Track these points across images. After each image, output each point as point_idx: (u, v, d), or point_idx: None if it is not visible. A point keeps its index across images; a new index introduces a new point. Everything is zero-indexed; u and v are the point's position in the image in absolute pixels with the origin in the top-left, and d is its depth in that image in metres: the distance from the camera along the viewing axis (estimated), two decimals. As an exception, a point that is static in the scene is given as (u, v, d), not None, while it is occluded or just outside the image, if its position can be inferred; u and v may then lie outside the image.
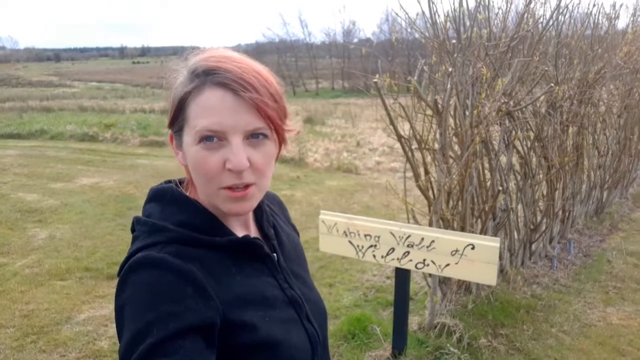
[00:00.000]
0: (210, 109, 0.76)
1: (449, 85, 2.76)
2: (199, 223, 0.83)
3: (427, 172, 3.12)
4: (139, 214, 0.89)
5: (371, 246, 2.93)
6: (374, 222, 2.94)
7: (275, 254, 0.93)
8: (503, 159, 3.98)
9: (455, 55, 2.83)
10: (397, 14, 3.12)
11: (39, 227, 5.81)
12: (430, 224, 3.19)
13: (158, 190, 0.89)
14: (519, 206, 4.28)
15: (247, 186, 0.79)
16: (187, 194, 0.86)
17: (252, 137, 0.78)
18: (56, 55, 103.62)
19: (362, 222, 2.95)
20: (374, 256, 2.93)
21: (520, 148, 4.11)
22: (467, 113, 3.15)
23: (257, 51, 42.67)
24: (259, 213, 0.96)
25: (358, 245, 2.96)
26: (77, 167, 9.23)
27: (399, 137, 2.85)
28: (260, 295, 0.85)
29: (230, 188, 0.79)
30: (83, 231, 5.64)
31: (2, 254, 4.97)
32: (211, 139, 0.76)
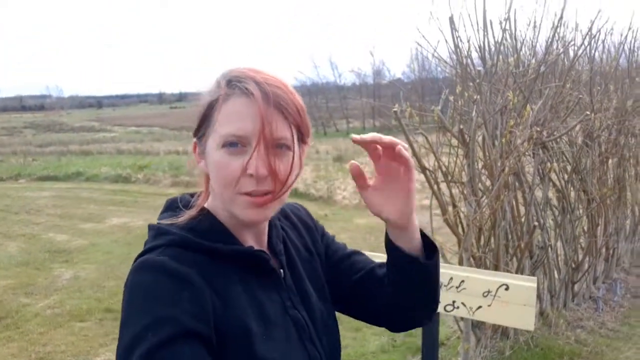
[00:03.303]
0: (236, 115, 0.77)
1: (474, 114, 2.60)
2: (206, 230, 0.82)
3: (454, 207, 2.93)
4: None
5: (396, 286, 2.73)
6: (398, 261, 2.75)
7: (282, 270, 0.90)
8: (538, 193, 3.75)
9: (479, 81, 2.68)
10: (419, 45, 3.02)
11: (65, 267, 5.80)
12: (461, 263, 2.97)
13: (172, 199, 0.91)
14: (559, 243, 4.00)
15: (265, 193, 0.78)
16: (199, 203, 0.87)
17: (276, 146, 0.78)
18: (98, 102, 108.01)
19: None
20: (399, 297, 2.73)
21: (556, 181, 3.87)
22: (496, 143, 2.97)
23: (288, 93, 43.34)
24: (269, 227, 0.92)
25: (382, 286, 2.77)
26: (109, 207, 9.34)
27: (423, 169, 2.69)
28: (261, 310, 0.82)
29: (249, 194, 0.78)
30: (108, 271, 5.59)
31: (26, 295, 4.94)
32: (235, 144, 0.77)
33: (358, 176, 0.86)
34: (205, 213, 0.85)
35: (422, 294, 0.93)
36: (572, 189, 4.02)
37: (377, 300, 0.95)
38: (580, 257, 4.21)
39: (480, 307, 2.51)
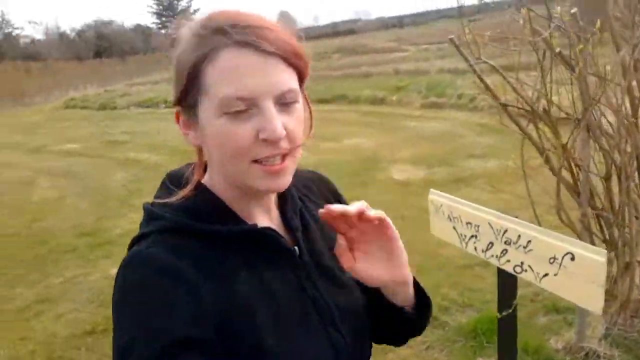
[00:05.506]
0: (233, 72, 0.67)
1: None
2: (202, 209, 0.75)
3: (563, 148, 2.34)
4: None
5: (472, 236, 2.43)
6: (476, 209, 2.41)
7: (297, 247, 0.81)
8: None
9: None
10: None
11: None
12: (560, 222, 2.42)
13: (171, 173, 0.83)
14: None
15: (283, 158, 0.71)
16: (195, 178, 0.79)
17: (282, 102, 0.70)
18: (399, 21, 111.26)
19: (464, 206, 2.46)
20: (475, 248, 2.40)
21: None
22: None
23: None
24: (282, 198, 0.84)
25: (461, 234, 2.50)
26: (354, 129, 10.13)
27: (503, 106, 2.22)
28: (272, 295, 0.74)
29: (262, 163, 0.70)
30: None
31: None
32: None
33: (344, 255, 0.77)
34: (201, 190, 0.77)
35: (404, 335, 0.95)
36: None
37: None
38: None
39: (546, 274, 2.05)
